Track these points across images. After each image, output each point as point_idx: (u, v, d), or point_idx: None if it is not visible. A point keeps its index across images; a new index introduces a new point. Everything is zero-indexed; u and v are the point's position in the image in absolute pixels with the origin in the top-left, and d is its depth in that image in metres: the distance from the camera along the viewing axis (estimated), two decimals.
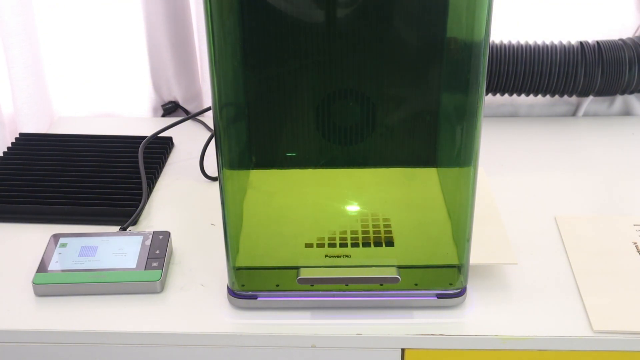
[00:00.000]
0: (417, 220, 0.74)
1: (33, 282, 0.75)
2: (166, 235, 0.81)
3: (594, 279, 0.76)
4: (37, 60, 1.10)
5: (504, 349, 0.70)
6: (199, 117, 1.15)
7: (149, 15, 1.10)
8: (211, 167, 0.97)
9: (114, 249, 0.79)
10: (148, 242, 0.80)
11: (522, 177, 0.97)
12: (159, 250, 0.79)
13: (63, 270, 0.76)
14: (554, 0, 1.08)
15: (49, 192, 0.92)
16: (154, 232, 0.82)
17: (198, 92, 1.18)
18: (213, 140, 0.73)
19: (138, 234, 0.82)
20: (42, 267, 0.77)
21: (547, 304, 0.74)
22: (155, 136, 1.02)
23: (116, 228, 0.87)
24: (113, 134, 1.07)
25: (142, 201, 0.90)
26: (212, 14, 0.60)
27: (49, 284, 0.75)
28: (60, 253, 0.79)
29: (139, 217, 0.88)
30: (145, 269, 0.76)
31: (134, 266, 0.77)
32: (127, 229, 0.85)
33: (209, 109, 1.00)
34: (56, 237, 0.81)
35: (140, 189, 0.92)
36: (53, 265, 0.77)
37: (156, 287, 0.75)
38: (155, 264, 0.77)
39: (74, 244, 0.80)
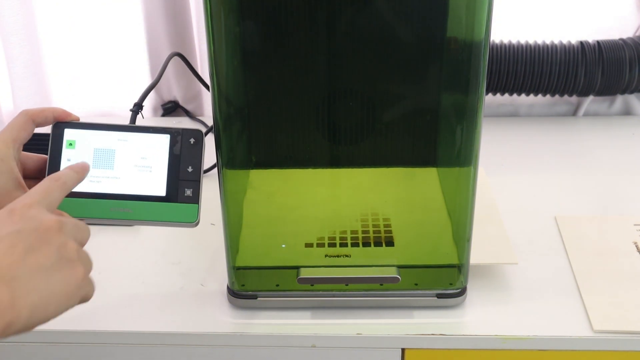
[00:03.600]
0: (417, 220, 0.74)
1: None
2: (199, 138, 0.63)
3: (594, 279, 0.76)
4: (37, 60, 1.10)
5: (504, 349, 0.70)
6: (199, 117, 1.15)
7: (149, 15, 1.10)
8: (206, 164, 0.97)
9: (136, 157, 0.62)
10: (177, 150, 0.63)
11: (522, 177, 0.97)
12: (191, 167, 0.63)
13: (78, 196, 0.60)
14: (554, 0, 1.08)
15: None
16: (182, 130, 0.63)
17: (198, 92, 1.18)
18: (211, 138, 0.73)
19: (164, 131, 0.63)
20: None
21: (547, 304, 0.73)
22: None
23: (117, 228, 0.86)
24: None
25: None
26: (212, 14, 0.60)
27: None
28: (69, 159, 0.62)
29: None
30: (177, 201, 0.62)
31: (163, 193, 0.62)
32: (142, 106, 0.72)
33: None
34: (59, 128, 0.63)
35: None
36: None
37: (192, 224, 0.62)
38: (188, 192, 0.62)
39: (85, 144, 0.62)
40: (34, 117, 0.60)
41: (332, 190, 0.73)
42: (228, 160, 0.67)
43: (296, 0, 0.61)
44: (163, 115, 1.19)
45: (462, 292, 0.73)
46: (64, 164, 0.61)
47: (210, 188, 0.96)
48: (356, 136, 0.69)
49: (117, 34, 1.13)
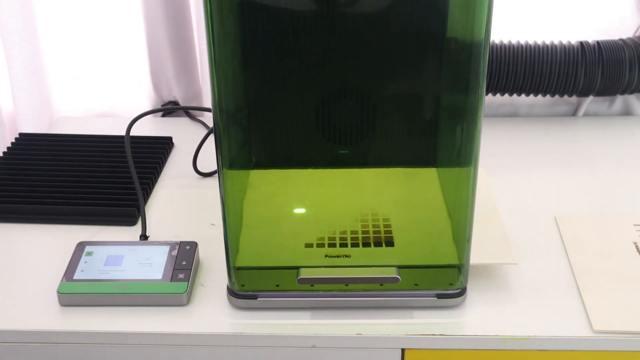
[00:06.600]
0: (417, 220, 0.74)
1: (58, 292, 0.74)
2: (193, 246, 0.79)
3: (594, 279, 0.76)
4: (37, 60, 1.10)
5: (504, 349, 0.70)
6: (199, 117, 1.15)
7: (149, 15, 1.10)
8: (206, 163, 0.97)
9: (140, 259, 0.78)
10: (175, 253, 0.78)
11: (522, 177, 0.97)
12: (185, 262, 0.77)
13: (89, 280, 0.75)
14: (554, 0, 1.08)
15: (49, 192, 0.92)
16: (180, 242, 0.80)
17: (198, 92, 1.18)
18: (211, 139, 0.73)
19: (165, 243, 0.80)
20: (68, 276, 0.76)
21: (547, 304, 0.74)
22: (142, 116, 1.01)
23: (117, 228, 0.86)
24: (113, 134, 1.07)
25: (142, 202, 0.90)
26: (212, 14, 0.60)
27: (74, 293, 0.74)
28: (86, 262, 0.77)
29: (138, 217, 0.88)
30: (171, 281, 0.75)
31: (160, 277, 0.75)
32: (147, 237, 0.84)
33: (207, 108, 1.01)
34: (82, 245, 0.80)
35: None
36: (79, 274, 0.76)
37: (182, 300, 0.74)
38: (181, 276, 0.75)
39: (100, 252, 0.79)
40: None
41: (332, 191, 0.73)
42: (228, 160, 0.67)
43: (296, 1, 0.61)
44: (163, 115, 1.19)
45: (462, 292, 0.73)
46: (80, 265, 0.77)
47: (209, 188, 0.96)
48: (356, 136, 0.69)
49: (117, 34, 1.13)
